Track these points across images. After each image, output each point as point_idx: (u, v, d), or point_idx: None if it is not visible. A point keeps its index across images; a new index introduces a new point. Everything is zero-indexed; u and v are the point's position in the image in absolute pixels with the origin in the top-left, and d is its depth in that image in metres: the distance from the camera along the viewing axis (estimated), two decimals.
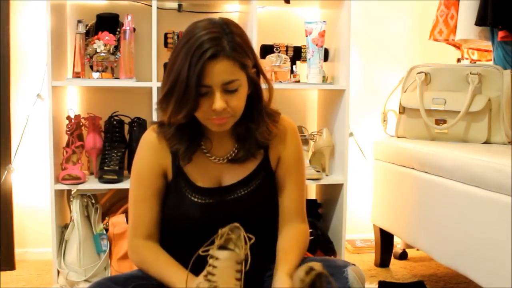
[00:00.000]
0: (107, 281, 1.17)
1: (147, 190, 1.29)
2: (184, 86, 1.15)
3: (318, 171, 2.23)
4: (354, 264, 1.21)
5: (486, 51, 2.55)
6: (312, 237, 2.23)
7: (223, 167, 1.31)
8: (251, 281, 1.30)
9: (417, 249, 2.31)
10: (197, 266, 1.17)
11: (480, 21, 2.17)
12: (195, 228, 1.27)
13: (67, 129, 2.17)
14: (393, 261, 2.41)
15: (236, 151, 1.31)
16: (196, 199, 1.28)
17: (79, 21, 2.14)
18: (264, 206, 1.31)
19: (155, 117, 2.01)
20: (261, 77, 1.29)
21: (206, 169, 1.30)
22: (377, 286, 2.05)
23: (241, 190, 1.29)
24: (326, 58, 2.35)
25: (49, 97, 2.05)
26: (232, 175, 1.30)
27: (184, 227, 1.28)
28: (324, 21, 2.24)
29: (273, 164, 1.34)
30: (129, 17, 2.09)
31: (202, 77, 1.14)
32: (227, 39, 1.17)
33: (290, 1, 2.30)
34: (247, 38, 1.24)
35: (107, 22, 2.27)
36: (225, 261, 1.10)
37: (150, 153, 1.30)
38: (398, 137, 2.27)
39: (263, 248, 1.28)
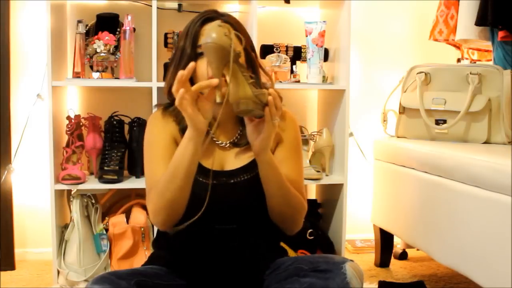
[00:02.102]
0: (110, 275, 1.18)
1: (158, 151, 1.33)
2: (181, 49, 1.30)
3: (318, 171, 2.23)
4: (352, 260, 1.21)
5: (486, 51, 2.55)
6: (312, 237, 2.23)
7: (227, 152, 1.36)
8: (250, 279, 1.30)
9: (417, 249, 2.31)
10: (207, 241, 1.29)
11: (480, 21, 2.17)
12: (199, 207, 1.27)
13: (67, 129, 2.17)
14: (393, 261, 2.41)
15: (240, 134, 1.37)
16: (201, 179, 1.30)
17: (79, 21, 2.14)
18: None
19: None
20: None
21: (212, 153, 1.34)
22: (377, 286, 2.05)
23: (243, 175, 1.33)
24: (326, 58, 2.35)
25: (49, 97, 2.05)
26: (234, 161, 1.35)
27: (190, 205, 1.29)
28: (324, 21, 2.24)
29: (272, 149, 1.36)
30: (129, 17, 2.09)
31: (197, 38, 1.28)
32: (223, 14, 1.33)
33: (290, 1, 2.30)
34: (242, 25, 1.35)
35: (107, 22, 2.27)
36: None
37: (160, 125, 1.35)
38: (398, 137, 2.27)
39: (262, 240, 1.29)
